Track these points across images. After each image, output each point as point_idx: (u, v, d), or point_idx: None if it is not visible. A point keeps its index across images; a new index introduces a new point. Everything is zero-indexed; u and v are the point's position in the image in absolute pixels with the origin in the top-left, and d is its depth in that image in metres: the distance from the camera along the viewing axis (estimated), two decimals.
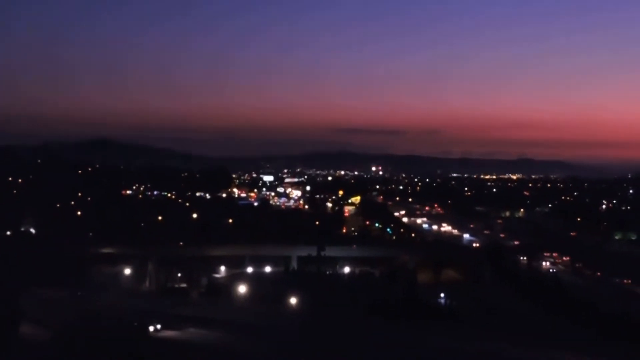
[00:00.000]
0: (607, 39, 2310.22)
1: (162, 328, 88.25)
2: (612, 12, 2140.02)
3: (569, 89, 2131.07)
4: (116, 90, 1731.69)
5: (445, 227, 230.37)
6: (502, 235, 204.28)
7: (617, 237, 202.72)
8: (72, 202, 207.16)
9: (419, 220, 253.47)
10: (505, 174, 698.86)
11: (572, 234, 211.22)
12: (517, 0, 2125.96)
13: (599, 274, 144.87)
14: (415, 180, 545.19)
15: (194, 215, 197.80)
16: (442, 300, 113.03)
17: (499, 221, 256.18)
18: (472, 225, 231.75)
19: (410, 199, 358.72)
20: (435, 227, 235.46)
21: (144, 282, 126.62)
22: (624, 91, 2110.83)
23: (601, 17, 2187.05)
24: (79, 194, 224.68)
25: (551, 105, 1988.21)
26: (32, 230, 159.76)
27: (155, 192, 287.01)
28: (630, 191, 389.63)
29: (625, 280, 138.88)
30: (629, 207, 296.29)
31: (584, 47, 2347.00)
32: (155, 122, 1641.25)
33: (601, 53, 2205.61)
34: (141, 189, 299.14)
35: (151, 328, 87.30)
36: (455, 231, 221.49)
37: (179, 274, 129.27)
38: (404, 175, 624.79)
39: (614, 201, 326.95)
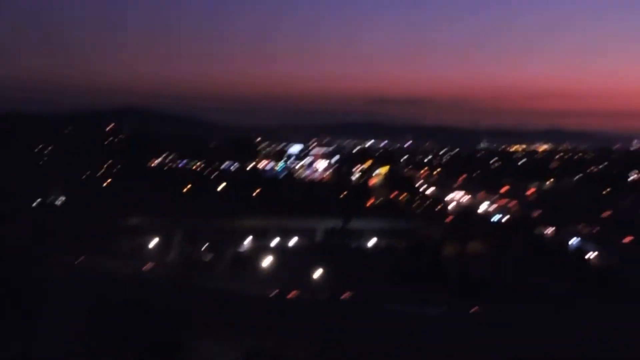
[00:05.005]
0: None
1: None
2: None
3: (598, 57, 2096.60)
4: (143, 58, 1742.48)
5: (472, 199, 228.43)
6: (529, 208, 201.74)
7: None
8: (100, 172, 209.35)
9: (446, 193, 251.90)
10: (534, 145, 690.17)
11: (600, 205, 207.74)
12: None
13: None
14: (443, 151, 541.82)
15: (220, 187, 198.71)
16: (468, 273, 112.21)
17: (527, 193, 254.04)
18: (498, 198, 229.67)
19: (438, 170, 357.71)
20: (463, 198, 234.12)
21: (169, 254, 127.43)
22: None
23: None
24: (107, 164, 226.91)
25: (581, 74, 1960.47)
26: (61, 200, 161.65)
27: (181, 162, 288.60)
28: None
29: None
30: None
31: (615, 13, 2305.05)
32: (181, 89, 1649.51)
33: (634, 19, 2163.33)
34: (168, 158, 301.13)
35: None
36: (481, 203, 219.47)
37: (205, 246, 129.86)
38: (431, 147, 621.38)
39: None
